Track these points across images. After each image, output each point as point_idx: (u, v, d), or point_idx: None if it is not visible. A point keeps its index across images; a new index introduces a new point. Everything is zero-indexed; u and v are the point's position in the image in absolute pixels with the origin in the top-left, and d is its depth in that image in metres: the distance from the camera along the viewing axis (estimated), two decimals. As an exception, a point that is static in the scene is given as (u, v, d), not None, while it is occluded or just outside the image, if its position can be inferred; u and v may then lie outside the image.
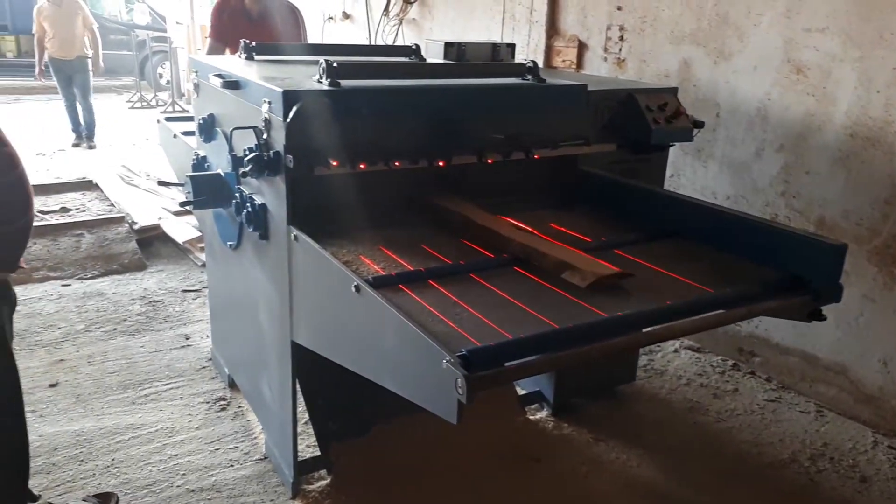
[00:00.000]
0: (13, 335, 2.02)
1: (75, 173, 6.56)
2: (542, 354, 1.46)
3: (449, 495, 2.50)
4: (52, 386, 3.13)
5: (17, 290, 2.07)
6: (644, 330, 1.64)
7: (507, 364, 1.40)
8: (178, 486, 2.51)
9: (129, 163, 6.77)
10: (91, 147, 8.05)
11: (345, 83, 2.07)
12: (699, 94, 3.56)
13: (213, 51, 4.48)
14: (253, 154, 2.01)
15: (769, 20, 3.21)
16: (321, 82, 2.08)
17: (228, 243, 2.62)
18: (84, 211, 5.42)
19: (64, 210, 5.38)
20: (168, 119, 3.55)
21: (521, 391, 3.05)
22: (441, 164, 2.20)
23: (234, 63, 2.67)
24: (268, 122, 2.02)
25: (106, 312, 3.90)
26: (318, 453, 2.54)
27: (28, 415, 2.14)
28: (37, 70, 8.00)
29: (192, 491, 2.48)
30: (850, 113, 2.97)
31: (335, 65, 2.07)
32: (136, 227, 4.95)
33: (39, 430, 2.78)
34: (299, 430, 2.42)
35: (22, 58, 12.88)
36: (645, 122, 2.53)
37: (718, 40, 3.44)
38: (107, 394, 3.09)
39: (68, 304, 3.97)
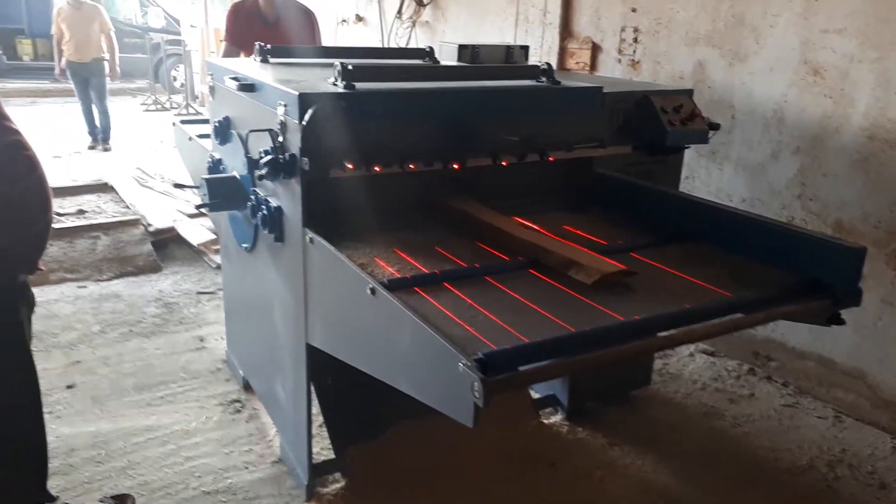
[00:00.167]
0: (32, 337, 2.04)
1: (91, 175, 6.61)
2: (558, 358, 1.45)
3: (463, 499, 2.49)
4: (68, 387, 3.15)
5: (35, 291, 2.09)
6: (662, 334, 1.63)
7: (523, 368, 1.39)
8: (193, 489, 2.51)
9: (144, 165, 6.82)
10: (106, 149, 8.12)
11: (360, 86, 2.07)
12: (714, 95, 3.54)
13: (228, 54, 4.50)
14: (269, 157, 2.02)
15: (785, 21, 3.19)
16: (336, 85, 2.08)
17: (243, 245, 2.63)
18: (100, 213, 5.45)
19: (80, 212, 5.42)
20: (183, 122, 3.57)
21: (535, 395, 3.04)
22: (455, 166, 2.20)
23: (249, 66, 2.68)
24: (283, 124, 2.03)
25: (121, 314, 3.93)
26: (333, 456, 2.54)
27: (46, 416, 2.15)
28: (56, 70, 8.13)
29: (208, 493, 2.49)
30: (868, 114, 2.94)
31: (350, 67, 2.07)
32: (151, 229, 4.98)
33: (57, 430, 2.79)
34: (314, 432, 2.42)
35: (38, 61, 13.01)
36: (660, 123, 2.51)
37: (734, 42, 3.42)
38: (123, 395, 3.11)
39: (84, 306, 4.00)
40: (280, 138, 2.05)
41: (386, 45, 6.12)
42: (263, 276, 2.53)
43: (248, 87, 2.33)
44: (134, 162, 7.08)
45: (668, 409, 3.16)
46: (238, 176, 2.48)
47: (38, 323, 3.48)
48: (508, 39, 4.79)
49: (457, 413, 1.37)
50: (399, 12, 5.99)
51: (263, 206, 2.26)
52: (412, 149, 2.12)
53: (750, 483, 2.67)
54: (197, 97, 11.11)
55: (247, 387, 3.14)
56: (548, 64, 2.45)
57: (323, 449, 2.63)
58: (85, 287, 4.27)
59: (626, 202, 2.49)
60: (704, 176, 3.67)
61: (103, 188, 6.10)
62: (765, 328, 3.45)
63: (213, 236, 4.86)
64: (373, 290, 1.60)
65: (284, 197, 2.16)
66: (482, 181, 2.40)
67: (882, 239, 2.96)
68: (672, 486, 2.64)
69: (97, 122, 8.21)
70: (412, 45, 5.89)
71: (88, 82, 8.02)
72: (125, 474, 2.58)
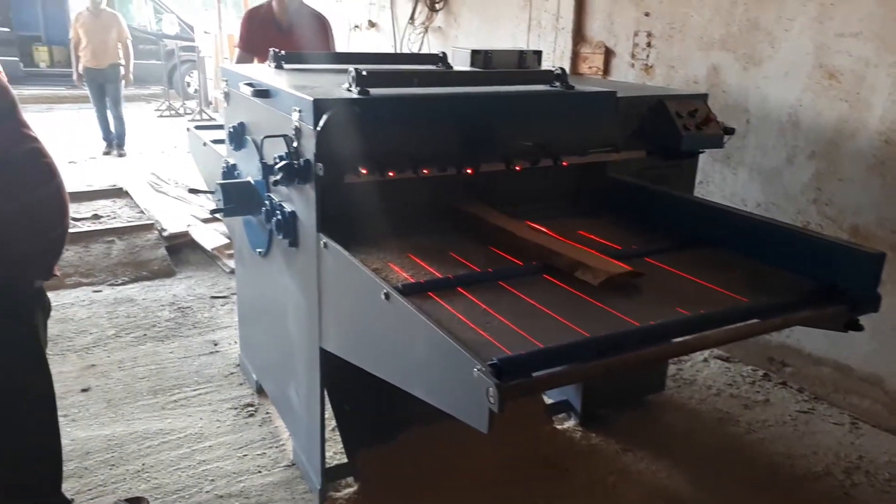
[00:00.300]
0: (47, 341, 2.05)
1: (106, 181, 6.68)
2: (574, 364, 1.45)
3: (475, 504, 2.49)
4: (83, 391, 3.17)
5: (51, 295, 2.10)
6: (677, 340, 1.62)
7: (538, 373, 1.39)
8: (206, 492, 2.52)
9: (159, 170, 6.87)
10: (121, 155, 8.18)
11: (374, 91, 2.08)
12: (728, 100, 3.53)
13: (241, 60, 4.53)
14: (283, 162, 2.03)
15: (800, 25, 3.17)
16: (351, 91, 2.09)
17: (258, 250, 2.64)
18: (115, 218, 5.51)
19: (95, 217, 5.47)
20: (198, 127, 3.59)
21: (548, 400, 3.02)
22: (469, 171, 2.20)
23: (263, 72, 2.70)
24: (298, 130, 2.04)
25: (136, 318, 3.95)
26: (345, 460, 2.55)
27: (61, 419, 2.17)
28: (74, 76, 8.21)
29: (221, 497, 2.50)
30: (885, 118, 2.92)
31: (364, 73, 2.08)
32: (165, 233, 5.02)
33: (72, 434, 2.82)
34: (326, 436, 2.43)
35: (55, 67, 13.14)
36: (675, 128, 2.51)
37: (748, 46, 3.40)
38: (137, 399, 3.13)
39: (99, 310, 4.03)
40: (295, 144, 2.06)
41: (398, 51, 6.14)
42: (277, 280, 2.54)
43: (262, 93, 2.34)
44: (148, 167, 7.14)
45: (682, 414, 3.14)
46: (252, 181, 2.50)
47: (53, 327, 3.50)
48: (521, 44, 4.79)
49: (471, 418, 1.37)
50: (412, 18, 6.01)
51: (278, 212, 2.27)
52: (426, 154, 2.12)
53: (765, 489, 2.65)
54: (210, 103, 11.18)
55: (260, 391, 3.15)
56: (562, 69, 2.45)
57: (336, 453, 2.63)
58: (100, 291, 4.30)
59: (640, 207, 2.48)
60: (719, 180, 3.65)
61: (118, 193, 6.16)
62: (780, 334, 3.43)
63: (227, 241, 4.88)
64: (387, 295, 1.60)
65: (299, 202, 2.17)
66: (496, 186, 2.40)
67: (899, 244, 2.94)
68: (686, 493, 2.62)
69: (112, 129, 8.28)
70: (424, 50, 5.90)
71: (104, 88, 8.10)
72: (139, 477, 2.59)
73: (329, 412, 2.45)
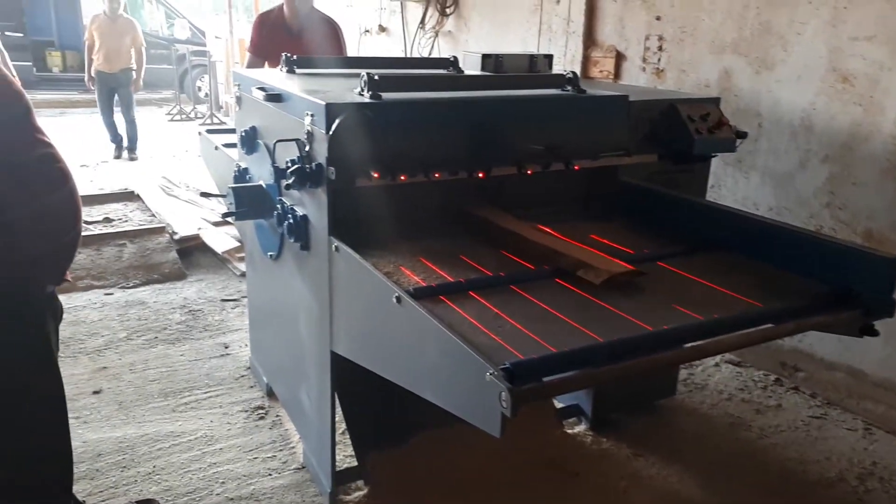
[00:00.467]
0: (59, 346, 2.06)
1: (118, 184, 6.72)
2: (587, 368, 1.44)
3: (486, 508, 2.48)
4: (95, 393, 3.19)
5: (63, 298, 2.11)
6: (690, 344, 1.61)
7: (551, 378, 1.38)
8: (217, 494, 2.53)
9: (170, 174, 6.91)
10: (133, 159, 8.23)
11: (386, 96, 2.09)
12: (740, 104, 3.51)
13: (252, 65, 4.55)
14: (295, 166, 2.03)
15: (814, 29, 3.15)
16: (363, 95, 2.09)
17: (269, 254, 2.65)
18: (126, 221, 5.54)
19: (107, 220, 5.51)
20: (209, 131, 3.61)
21: (558, 404, 3.01)
22: (480, 175, 2.20)
23: (275, 76, 2.71)
24: (310, 134, 2.04)
25: (147, 321, 3.97)
26: (356, 464, 2.55)
27: (73, 421, 2.18)
28: (86, 77, 8.24)
29: (231, 499, 2.50)
30: (899, 122, 2.90)
31: (376, 78, 2.08)
32: (176, 237, 5.04)
33: (83, 436, 2.83)
34: (337, 439, 2.43)
35: (67, 72, 13.25)
36: (687, 132, 2.50)
37: (761, 50, 3.39)
38: (148, 401, 3.14)
39: (111, 313, 4.05)
40: (307, 148, 2.06)
41: (409, 56, 6.15)
42: (288, 283, 2.55)
43: (275, 98, 2.35)
44: (159, 171, 7.18)
45: (694, 419, 3.12)
46: (264, 185, 2.50)
47: (65, 329, 3.53)
48: (531, 48, 4.79)
49: (484, 423, 1.37)
50: (422, 22, 6.02)
51: (289, 215, 2.28)
52: (437, 158, 2.12)
53: (777, 495, 2.63)
54: (221, 107, 11.25)
55: (270, 394, 3.16)
56: (573, 73, 2.45)
57: (346, 456, 2.63)
58: (111, 294, 4.33)
59: (651, 211, 2.47)
60: (731, 184, 3.64)
61: (129, 197, 6.20)
62: (792, 338, 3.40)
63: (238, 244, 4.90)
64: (398, 299, 1.60)
65: (310, 206, 2.18)
66: (507, 190, 2.40)
67: (913, 249, 2.91)
68: (697, 498, 2.60)
69: (121, 132, 8.31)
70: (434, 55, 5.91)
71: (114, 92, 8.15)
72: (150, 479, 2.60)
73: (339, 415, 2.45)
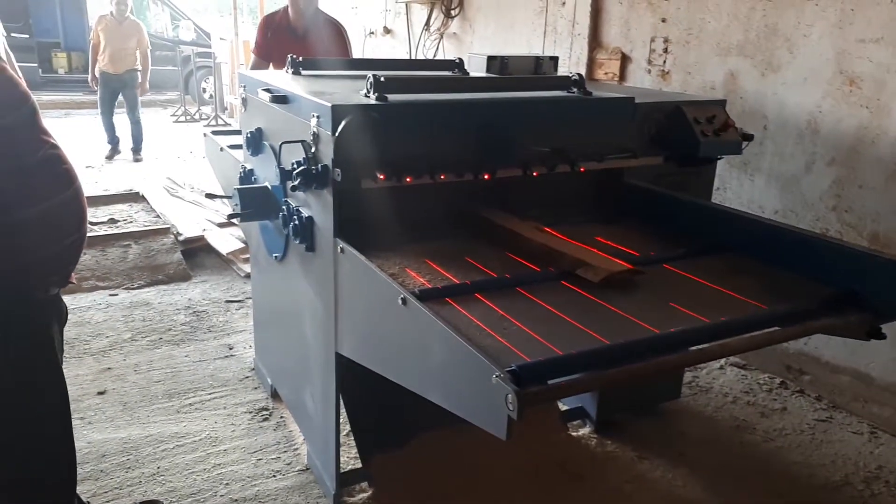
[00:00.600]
0: (63, 348, 2.06)
1: (123, 185, 6.73)
2: (593, 371, 1.44)
3: (491, 511, 2.48)
4: (100, 394, 3.19)
5: (67, 299, 2.11)
6: (696, 347, 1.61)
7: (557, 380, 1.38)
8: (221, 496, 2.53)
9: (175, 175, 6.93)
10: (138, 160, 8.25)
11: (392, 97, 2.09)
12: (746, 106, 3.50)
13: (256, 66, 4.56)
14: (301, 167, 2.03)
15: (820, 31, 3.15)
16: (368, 97, 2.09)
17: (274, 255, 2.65)
18: (131, 222, 5.55)
19: (112, 221, 5.52)
20: (214, 133, 3.62)
21: (563, 407, 3.01)
22: (486, 177, 2.20)
23: (281, 78, 2.71)
24: (316, 135, 2.04)
25: (152, 322, 3.98)
26: (360, 465, 2.54)
27: (77, 422, 2.18)
28: (90, 76, 8.24)
29: (236, 501, 2.50)
30: (906, 125, 2.89)
31: (382, 79, 2.08)
32: (181, 238, 5.05)
33: (88, 437, 2.83)
34: (341, 441, 2.42)
35: (73, 73, 13.30)
36: (693, 134, 2.49)
37: (767, 52, 3.38)
38: (152, 402, 3.14)
39: (116, 314, 4.06)
40: (312, 149, 2.06)
41: (414, 57, 6.15)
42: (293, 285, 2.55)
43: (280, 99, 2.35)
44: (164, 172, 7.19)
45: (699, 422, 3.11)
46: (270, 186, 2.51)
47: (70, 330, 3.54)
48: (537, 50, 4.79)
49: (490, 425, 1.36)
50: (427, 24, 6.02)
51: (295, 217, 2.28)
52: (443, 160, 2.12)
53: (782, 499, 2.62)
54: (226, 108, 11.27)
55: (275, 395, 3.15)
56: (579, 74, 2.44)
57: (350, 458, 2.63)
58: (116, 295, 4.33)
59: (657, 213, 2.47)
60: (736, 187, 3.63)
61: (134, 198, 6.21)
62: (797, 341, 3.39)
63: (242, 245, 4.91)
64: (404, 301, 1.59)
65: (316, 207, 2.18)
66: (513, 192, 2.39)
67: (920, 252, 2.90)
68: (702, 501, 2.59)
69: (119, 134, 8.31)
70: (440, 56, 5.91)
71: (117, 93, 8.16)
72: (154, 480, 2.60)
73: (344, 417, 2.45)
